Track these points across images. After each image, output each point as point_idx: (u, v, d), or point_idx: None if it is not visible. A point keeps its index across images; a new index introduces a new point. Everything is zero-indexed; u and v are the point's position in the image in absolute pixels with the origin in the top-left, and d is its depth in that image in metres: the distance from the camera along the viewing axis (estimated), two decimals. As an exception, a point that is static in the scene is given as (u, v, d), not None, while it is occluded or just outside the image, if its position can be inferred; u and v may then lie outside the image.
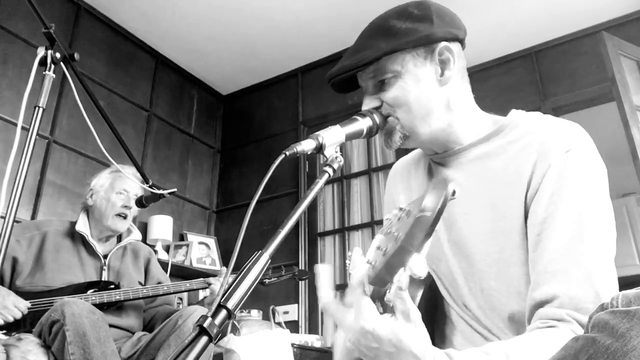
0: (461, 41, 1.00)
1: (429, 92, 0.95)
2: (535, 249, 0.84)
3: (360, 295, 0.64)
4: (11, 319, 1.80)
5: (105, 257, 2.17)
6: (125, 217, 2.19)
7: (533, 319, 0.81)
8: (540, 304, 0.80)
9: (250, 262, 0.68)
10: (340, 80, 0.99)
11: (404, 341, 0.61)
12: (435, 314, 1.03)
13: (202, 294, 3.45)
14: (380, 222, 3.60)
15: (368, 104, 0.98)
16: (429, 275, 1.04)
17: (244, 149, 4.41)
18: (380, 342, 0.62)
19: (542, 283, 0.81)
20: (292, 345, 2.80)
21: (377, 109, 0.97)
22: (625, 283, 0.77)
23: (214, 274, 2.28)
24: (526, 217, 0.88)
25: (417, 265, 0.56)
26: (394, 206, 1.13)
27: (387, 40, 0.94)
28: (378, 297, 0.65)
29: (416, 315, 0.62)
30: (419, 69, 0.95)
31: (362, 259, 0.66)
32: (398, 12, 0.96)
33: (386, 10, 0.99)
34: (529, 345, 0.72)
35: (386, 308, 0.65)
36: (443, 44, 0.95)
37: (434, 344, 0.74)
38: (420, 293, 1.00)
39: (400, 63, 0.94)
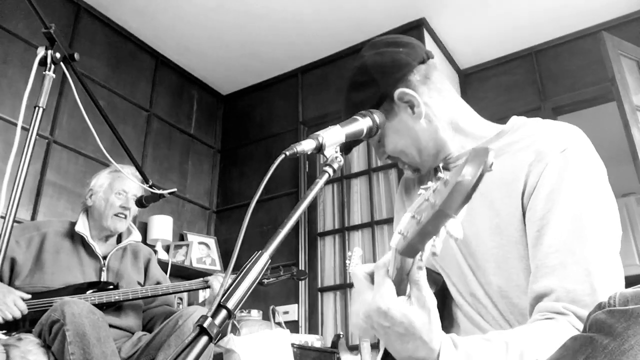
0: (422, 62, 1.04)
1: (412, 133, 1.03)
2: (535, 245, 0.86)
3: (383, 276, 0.66)
4: (10, 317, 1.80)
5: (104, 257, 2.17)
6: (124, 217, 2.19)
7: (533, 311, 0.83)
8: (539, 297, 0.83)
9: (250, 262, 0.69)
10: None
11: (415, 326, 0.63)
12: (442, 313, 1.05)
13: (202, 296, 3.47)
14: (380, 222, 3.61)
15: (380, 158, 1.11)
16: (440, 278, 1.08)
17: (244, 149, 4.42)
18: (393, 322, 0.64)
19: (541, 277, 0.83)
20: (292, 345, 2.80)
21: (389, 156, 1.08)
22: (625, 283, 0.78)
23: (212, 274, 2.27)
24: (524, 215, 0.91)
25: (455, 228, 0.56)
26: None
27: (353, 113, 1.02)
28: (398, 280, 0.66)
29: (432, 302, 0.64)
30: (393, 122, 1.03)
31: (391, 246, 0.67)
32: (351, 84, 1.06)
33: (346, 79, 1.08)
34: (528, 335, 0.74)
35: (404, 291, 0.66)
36: (396, 93, 1.01)
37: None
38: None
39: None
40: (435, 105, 1.02)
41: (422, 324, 0.63)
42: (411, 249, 0.60)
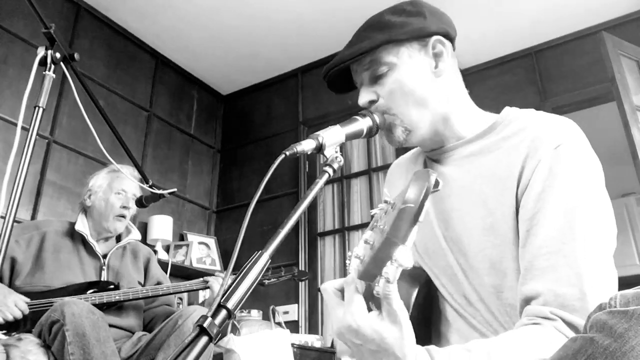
0: (452, 40, 1.03)
1: (424, 83, 0.97)
2: (525, 245, 0.84)
3: (352, 292, 0.65)
4: (10, 318, 1.80)
5: (104, 256, 2.17)
6: (124, 217, 2.20)
7: (522, 315, 0.81)
8: (527, 300, 0.81)
9: (250, 262, 0.68)
10: (336, 77, 1.02)
11: (388, 342, 0.62)
12: (431, 312, 1.03)
13: (202, 296, 3.46)
14: (380, 222, 3.60)
15: (364, 96, 0.98)
16: (424, 273, 1.04)
17: (244, 149, 4.41)
18: (364, 340, 0.63)
19: (530, 279, 0.81)
20: (292, 345, 2.80)
21: (373, 102, 0.98)
22: (625, 283, 0.77)
23: (213, 274, 2.27)
24: (517, 214, 0.88)
25: (403, 256, 0.55)
26: None
27: (382, 32, 0.96)
28: (368, 294, 0.65)
29: (403, 316, 0.62)
30: (413, 61, 0.97)
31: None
32: (392, 9, 1.00)
33: (381, 10, 1.03)
34: (512, 343, 0.72)
35: (375, 305, 0.64)
36: (436, 37, 0.98)
37: (430, 342, 0.74)
38: (415, 292, 1.00)
39: (395, 54, 0.96)
40: (451, 78, 1.01)
41: (395, 340, 0.62)
42: (368, 274, 0.60)
